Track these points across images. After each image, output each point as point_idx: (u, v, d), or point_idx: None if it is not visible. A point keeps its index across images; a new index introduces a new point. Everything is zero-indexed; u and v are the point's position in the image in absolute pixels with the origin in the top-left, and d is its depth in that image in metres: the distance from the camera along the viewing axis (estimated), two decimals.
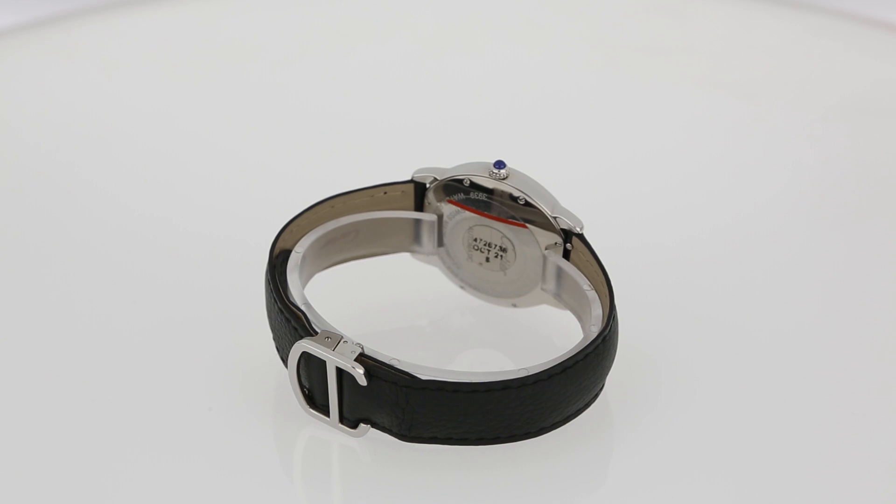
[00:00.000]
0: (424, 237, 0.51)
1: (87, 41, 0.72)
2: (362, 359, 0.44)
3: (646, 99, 0.69)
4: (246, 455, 0.47)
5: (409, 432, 0.45)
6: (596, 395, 0.47)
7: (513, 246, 0.50)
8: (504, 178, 0.49)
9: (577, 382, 0.45)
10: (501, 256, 0.51)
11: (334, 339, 0.45)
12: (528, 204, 0.49)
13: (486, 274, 0.51)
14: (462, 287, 0.53)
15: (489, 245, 0.51)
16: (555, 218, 0.48)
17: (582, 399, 0.46)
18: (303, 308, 0.46)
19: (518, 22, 0.75)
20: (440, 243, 0.52)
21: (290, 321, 0.46)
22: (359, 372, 0.44)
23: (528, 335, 0.52)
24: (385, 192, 0.51)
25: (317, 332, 0.45)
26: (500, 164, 0.49)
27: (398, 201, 0.51)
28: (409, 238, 0.51)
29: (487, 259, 0.51)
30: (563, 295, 0.50)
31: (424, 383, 0.44)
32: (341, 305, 0.51)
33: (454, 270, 0.52)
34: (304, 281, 0.50)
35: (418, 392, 0.44)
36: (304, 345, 0.45)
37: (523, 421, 0.45)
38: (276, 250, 0.48)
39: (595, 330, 0.46)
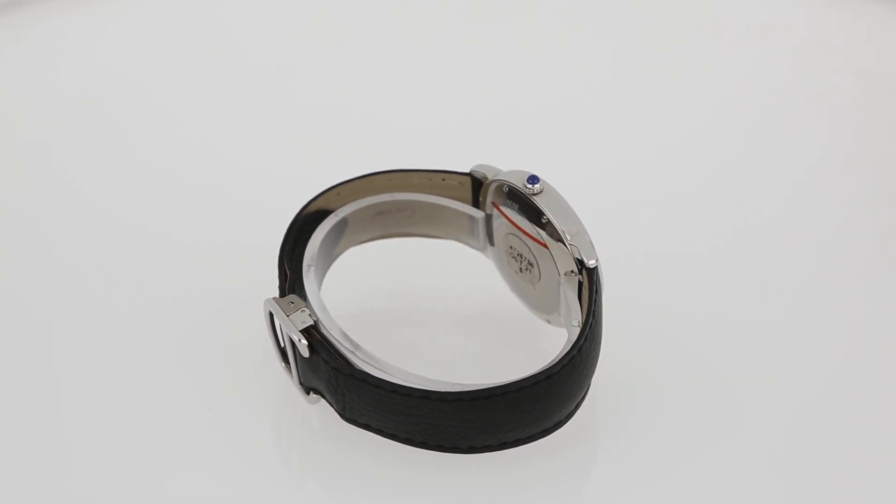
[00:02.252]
0: (476, 233, 0.51)
1: (79, 28, 0.71)
2: (311, 331, 0.46)
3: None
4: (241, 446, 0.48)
5: (344, 412, 0.46)
6: (546, 430, 0.46)
7: (537, 263, 0.49)
8: (535, 194, 0.48)
9: (505, 413, 0.44)
10: (530, 270, 0.50)
11: (297, 306, 0.46)
12: (550, 224, 0.48)
13: (522, 284, 0.51)
14: (511, 290, 0.52)
15: (521, 256, 0.50)
16: (572, 245, 0.47)
17: (522, 430, 0.45)
18: (306, 270, 0.48)
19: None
20: (491, 242, 0.51)
21: (278, 278, 0.48)
22: (303, 343, 0.46)
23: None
24: (443, 179, 0.51)
25: (286, 294, 0.47)
26: (533, 179, 0.48)
27: (455, 191, 0.51)
28: (464, 230, 0.52)
29: (521, 269, 0.50)
30: (568, 325, 0.49)
31: (351, 370, 0.45)
32: (405, 279, 0.53)
33: (501, 272, 0.52)
34: (347, 245, 0.51)
35: (346, 377, 0.45)
36: (270, 303, 0.47)
37: (449, 434, 0.45)
38: (313, 208, 0.50)
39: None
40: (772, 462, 0.47)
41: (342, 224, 0.51)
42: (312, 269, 0.49)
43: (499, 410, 0.44)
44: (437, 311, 0.53)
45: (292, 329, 0.46)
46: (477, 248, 0.52)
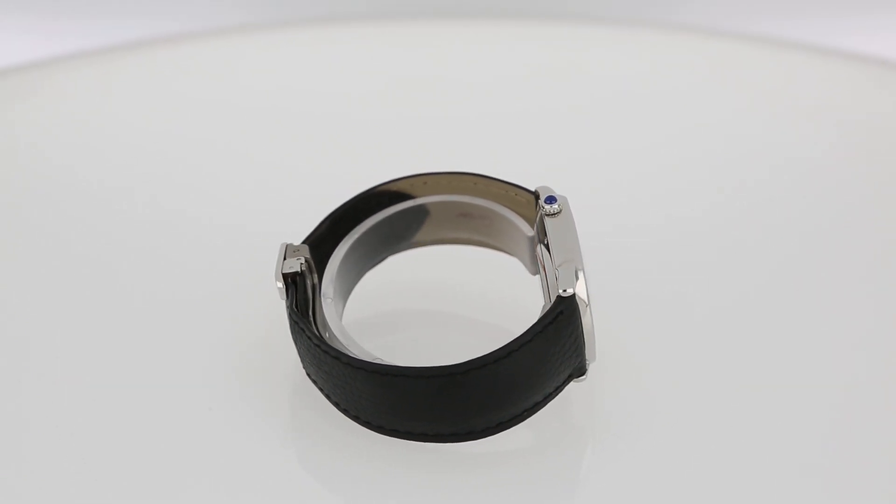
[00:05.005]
0: (529, 253, 0.50)
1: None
2: (295, 278, 0.48)
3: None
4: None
5: (301, 362, 0.48)
6: (457, 436, 0.45)
7: (544, 286, 0.48)
8: (548, 214, 0.47)
9: (405, 397, 0.44)
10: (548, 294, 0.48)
11: (298, 254, 0.49)
12: (547, 248, 0.46)
13: None
14: None
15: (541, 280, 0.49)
16: (557, 271, 0.45)
17: (427, 424, 0.45)
18: (351, 236, 0.51)
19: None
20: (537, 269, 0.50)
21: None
22: (280, 287, 0.48)
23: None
24: (515, 194, 0.50)
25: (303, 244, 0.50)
26: (549, 200, 0.47)
27: (523, 208, 0.50)
28: (524, 250, 0.51)
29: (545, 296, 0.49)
30: None
31: (297, 318, 0.47)
32: (453, 283, 0.54)
33: None
34: (426, 236, 0.52)
35: (294, 323, 0.47)
36: (282, 245, 0.50)
37: (363, 407, 0.45)
38: (393, 188, 0.52)
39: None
40: (767, 464, 0.46)
41: (422, 212, 0.52)
42: (357, 238, 0.50)
43: (399, 392, 0.44)
44: (472, 321, 0.52)
45: (277, 272, 0.48)
46: (531, 271, 0.51)
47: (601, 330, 0.46)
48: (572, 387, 0.47)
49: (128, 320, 0.53)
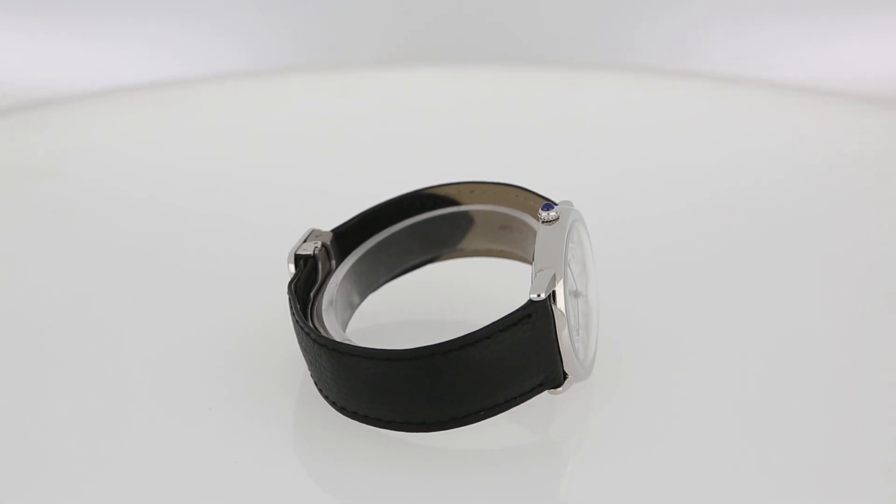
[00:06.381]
0: None
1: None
2: (306, 259, 0.49)
3: None
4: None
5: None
6: (410, 424, 0.44)
7: None
8: (543, 221, 0.46)
9: (355, 375, 0.44)
10: None
11: (318, 239, 0.50)
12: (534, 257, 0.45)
13: None
14: None
15: None
16: (536, 276, 0.44)
17: (376, 407, 0.44)
18: (379, 234, 0.51)
19: None
20: None
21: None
22: (291, 268, 0.49)
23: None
24: None
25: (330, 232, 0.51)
26: (546, 207, 0.46)
27: None
28: None
29: None
30: None
31: (291, 294, 0.48)
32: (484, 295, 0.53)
33: None
34: (470, 244, 0.52)
35: (289, 299, 0.48)
36: (307, 230, 0.51)
37: (329, 384, 0.45)
38: (440, 192, 0.52)
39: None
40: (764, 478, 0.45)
41: (467, 220, 0.52)
42: (389, 235, 0.51)
43: (353, 373, 0.44)
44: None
45: (291, 253, 0.49)
46: None
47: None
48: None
49: (156, 314, 0.55)
